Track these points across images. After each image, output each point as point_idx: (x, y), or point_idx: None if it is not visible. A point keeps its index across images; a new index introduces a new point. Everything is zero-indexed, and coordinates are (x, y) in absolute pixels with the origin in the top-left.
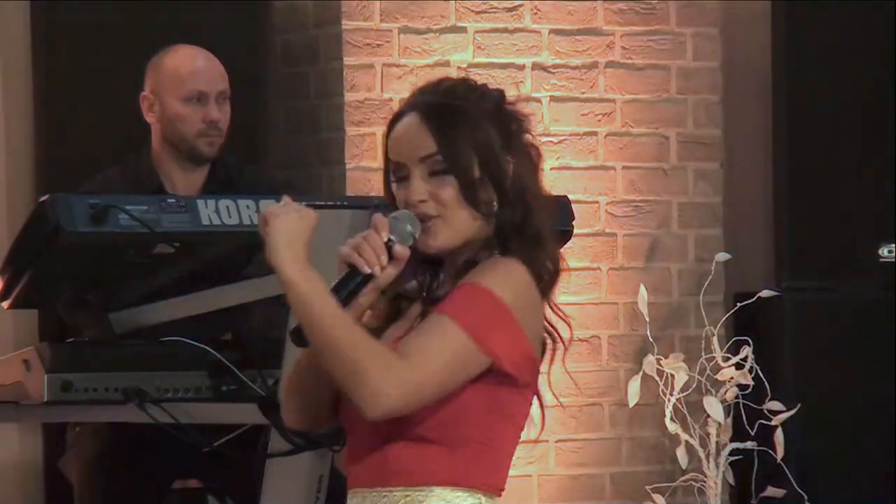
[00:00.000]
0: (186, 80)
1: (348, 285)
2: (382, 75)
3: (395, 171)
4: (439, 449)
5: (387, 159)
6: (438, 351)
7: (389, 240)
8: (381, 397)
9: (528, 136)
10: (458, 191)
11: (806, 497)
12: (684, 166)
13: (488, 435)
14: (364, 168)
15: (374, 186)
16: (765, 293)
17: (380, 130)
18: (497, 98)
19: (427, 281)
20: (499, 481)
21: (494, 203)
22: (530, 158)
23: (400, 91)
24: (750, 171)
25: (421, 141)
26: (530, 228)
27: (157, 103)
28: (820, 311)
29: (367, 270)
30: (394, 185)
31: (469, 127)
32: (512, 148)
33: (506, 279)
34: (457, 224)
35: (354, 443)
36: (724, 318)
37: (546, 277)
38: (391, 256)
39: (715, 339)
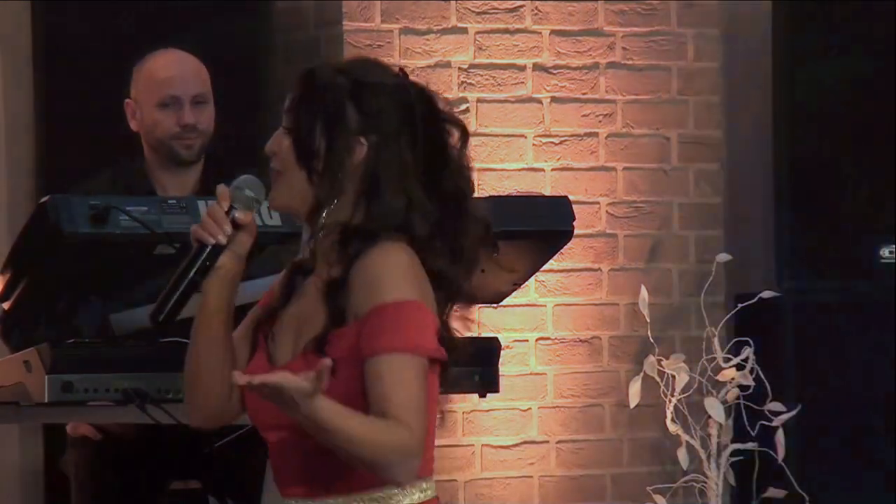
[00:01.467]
0: (161, 86)
1: (197, 260)
2: None
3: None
4: None
5: None
6: (412, 392)
7: (232, 207)
8: (408, 468)
9: (415, 127)
10: (294, 151)
11: (807, 498)
12: (685, 167)
13: (430, 421)
14: None
15: None
16: (766, 294)
17: None
18: (376, 78)
19: (313, 247)
20: (432, 461)
21: (319, 168)
22: (403, 147)
23: None
24: (751, 171)
25: (288, 102)
26: (384, 217)
27: (137, 110)
28: (820, 311)
29: (211, 241)
30: None
31: (324, 95)
32: (370, 130)
33: (397, 275)
34: (293, 183)
35: (279, 448)
36: (724, 319)
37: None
38: (236, 225)
39: (716, 340)
